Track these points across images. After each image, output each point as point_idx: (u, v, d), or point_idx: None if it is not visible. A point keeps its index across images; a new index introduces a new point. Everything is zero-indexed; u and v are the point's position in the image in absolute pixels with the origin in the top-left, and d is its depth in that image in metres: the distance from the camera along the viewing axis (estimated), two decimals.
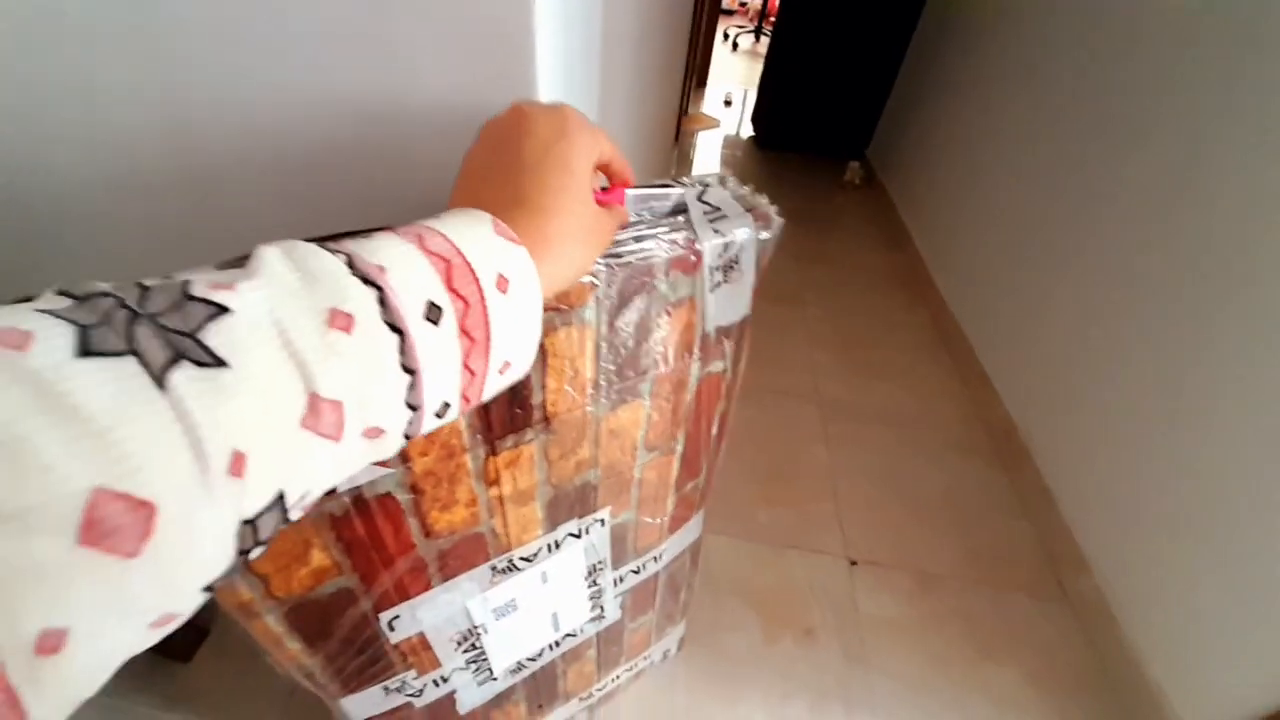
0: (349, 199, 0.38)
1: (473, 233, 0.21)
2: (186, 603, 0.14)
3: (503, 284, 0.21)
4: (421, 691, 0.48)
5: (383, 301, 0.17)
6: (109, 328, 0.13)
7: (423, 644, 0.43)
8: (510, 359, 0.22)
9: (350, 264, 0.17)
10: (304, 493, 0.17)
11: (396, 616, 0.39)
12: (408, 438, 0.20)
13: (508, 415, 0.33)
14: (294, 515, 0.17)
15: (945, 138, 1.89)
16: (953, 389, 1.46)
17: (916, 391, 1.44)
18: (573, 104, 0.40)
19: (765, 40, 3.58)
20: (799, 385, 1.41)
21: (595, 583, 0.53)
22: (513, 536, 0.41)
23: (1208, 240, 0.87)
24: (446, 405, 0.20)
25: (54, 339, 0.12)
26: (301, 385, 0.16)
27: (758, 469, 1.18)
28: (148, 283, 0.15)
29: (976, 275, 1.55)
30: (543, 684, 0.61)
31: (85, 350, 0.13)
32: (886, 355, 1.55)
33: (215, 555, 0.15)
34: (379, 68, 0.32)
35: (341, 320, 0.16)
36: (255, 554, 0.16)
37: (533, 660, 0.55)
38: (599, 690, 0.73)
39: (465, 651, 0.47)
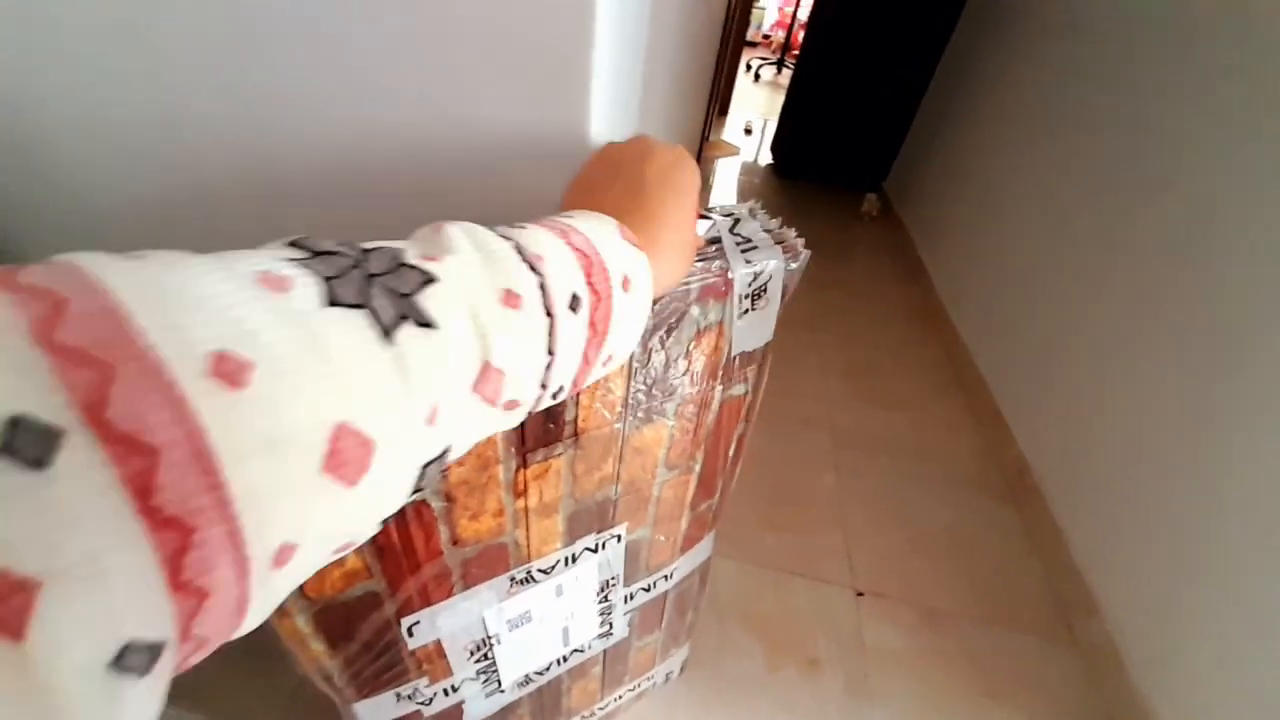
0: (389, 218, 0.39)
1: (604, 235, 0.23)
2: (369, 531, 0.16)
3: (626, 284, 0.23)
4: (431, 700, 0.48)
5: (542, 287, 0.19)
6: (348, 283, 0.15)
7: (438, 651, 0.44)
8: (614, 353, 0.24)
9: (518, 249, 0.19)
10: (463, 448, 0.19)
11: (417, 622, 0.40)
12: (528, 414, 0.21)
13: (541, 429, 0.34)
14: (447, 466, 0.19)
15: (963, 174, 1.91)
16: (965, 424, 1.45)
17: (928, 424, 1.43)
18: (616, 131, 0.42)
19: (787, 72, 3.65)
20: (811, 412, 1.41)
21: (607, 599, 0.53)
22: (533, 548, 0.42)
23: (1226, 284, 0.88)
24: (561, 388, 0.22)
25: (309, 287, 0.14)
26: (480, 353, 0.17)
27: (766, 493, 1.18)
28: (365, 246, 0.17)
29: (992, 312, 1.56)
30: (547, 699, 0.61)
31: (331, 300, 0.14)
32: (899, 386, 1.55)
33: (401, 493, 0.16)
34: (434, 97, 0.34)
35: (513, 300, 0.18)
36: (415, 498, 0.18)
37: (540, 674, 0.56)
38: (601, 709, 0.73)
39: (477, 661, 0.48)
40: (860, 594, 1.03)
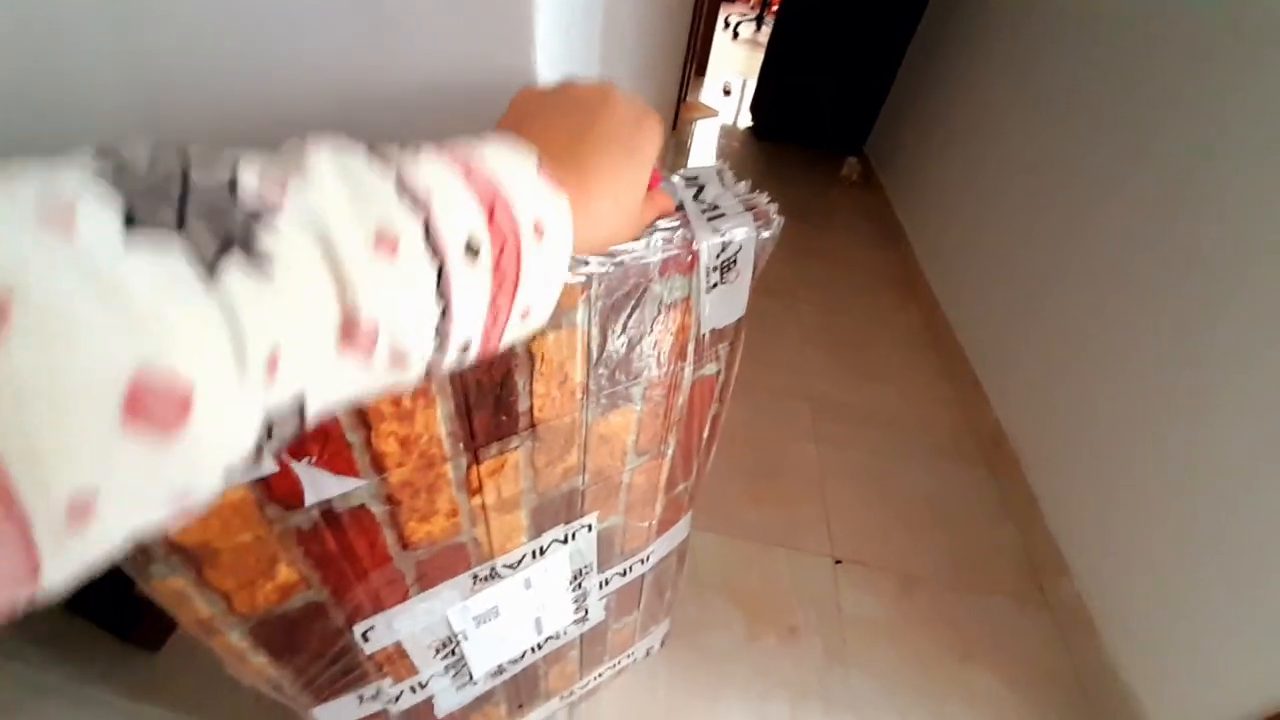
0: None
1: (518, 170, 0.20)
2: (208, 482, 0.14)
3: (539, 229, 0.20)
4: (398, 698, 0.46)
5: (427, 228, 0.17)
6: (158, 200, 0.13)
7: (399, 653, 0.41)
8: (531, 306, 0.21)
9: (399, 183, 0.17)
10: (324, 403, 0.17)
11: (371, 628, 0.37)
12: (428, 371, 0.19)
13: (492, 421, 0.31)
14: (310, 424, 0.17)
15: (943, 138, 1.88)
16: (943, 392, 1.46)
17: (907, 393, 1.44)
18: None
19: (767, 29, 3.53)
20: (790, 383, 1.40)
21: (580, 586, 0.51)
22: (495, 545, 0.39)
23: (1202, 249, 0.87)
24: (469, 342, 0.20)
25: (103, 213, 0.12)
26: (339, 300, 0.15)
27: (746, 466, 1.18)
28: (192, 151, 0.14)
29: (969, 279, 1.55)
30: (523, 685, 0.60)
31: (131, 221, 0.12)
32: (878, 355, 1.55)
33: (239, 447, 0.15)
34: (370, 41, 0.30)
35: (387, 244, 0.16)
36: (268, 451, 0.16)
37: (514, 663, 0.54)
38: (581, 688, 0.73)
39: (444, 658, 0.46)
40: (839, 562, 1.04)
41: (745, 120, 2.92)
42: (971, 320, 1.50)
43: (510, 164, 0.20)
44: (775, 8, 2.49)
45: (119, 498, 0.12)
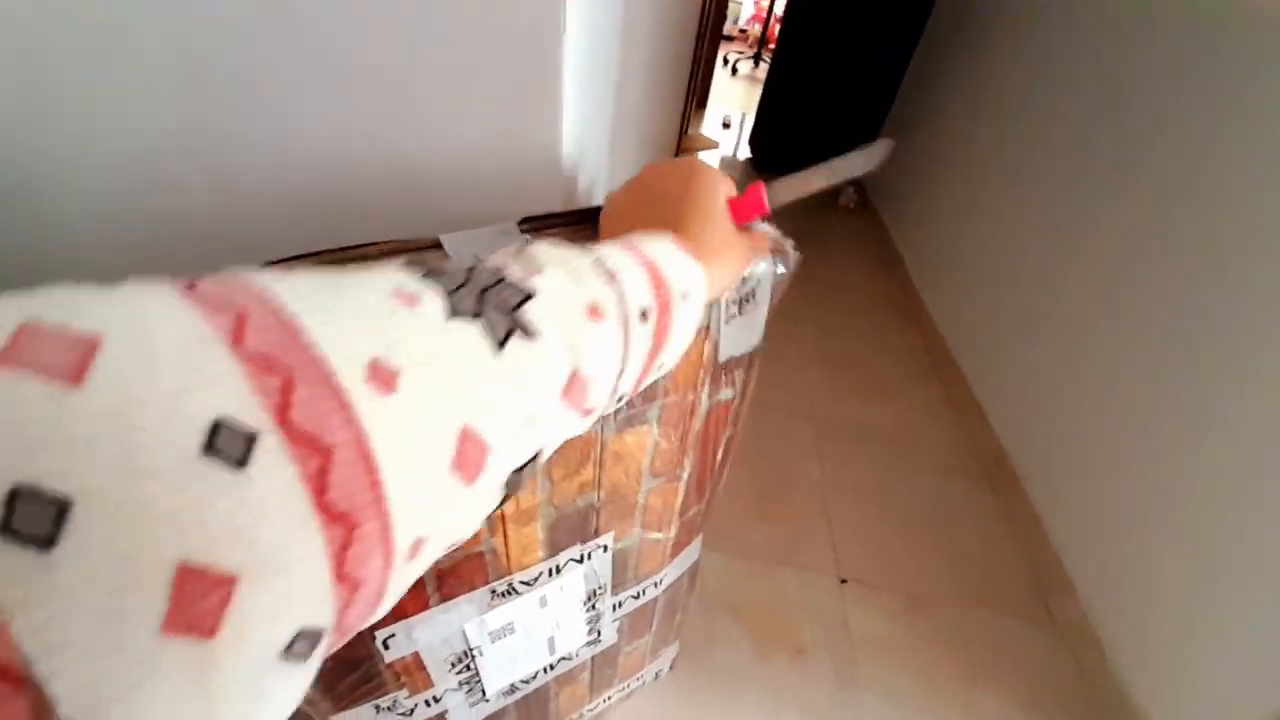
0: (364, 223, 0.39)
1: (667, 250, 0.25)
2: (474, 528, 0.18)
3: (685, 295, 0.25)
4: (412, 711, 0.47)
5: (620, 300, 0.21)
6: (465, 297, 0.17)
7: (417, 664, 0.43)
8: (665, 360, 0.25)
9: (599, 262, 0.21)
10: (549, 451, 0.20)
11: (392, 635, 0.39)
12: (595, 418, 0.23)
13: None
14: (537, 468, 0.20)
15: (938, 165, 1.94)
16: (943, 413, 1.48)
17: (908, 413, 1.45)
18: (591, 132, 0.41)
19: (764, 66, 3.65)
20: (793, 402, 1.42)
21: (594, 607, 0.53)
22: (513, 558, 0.41)
23: (1199, 267, 0.90)
24: (624, 394, 0.24)
25: (435, 300, 0.16)
26: (570, 362, 0.19)
27: (752, 485, 1.19)
28: (468, 264, 0.19)
29: (967, 302, 1.58)
30: (534, 706, 0.61)
31: (453, 312, 0.16)
32: (879, 376, 1.57)
33: (498, 494, 0.18)
34: (407, 112, 0.34)
35: (597, 313, 0.20)
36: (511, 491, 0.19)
37: (526, 683, 0.55)
38: (590, 710, 0.73)
39: (459, 673, 0.47)
40: (844, 581, 1.05)
41: (744, 152, 3.00)
42: (970, 342, 1.52)
43: (657, 246, 0.25)
44: (772, 47, 2.59)
45: (437, 539, 0.15)
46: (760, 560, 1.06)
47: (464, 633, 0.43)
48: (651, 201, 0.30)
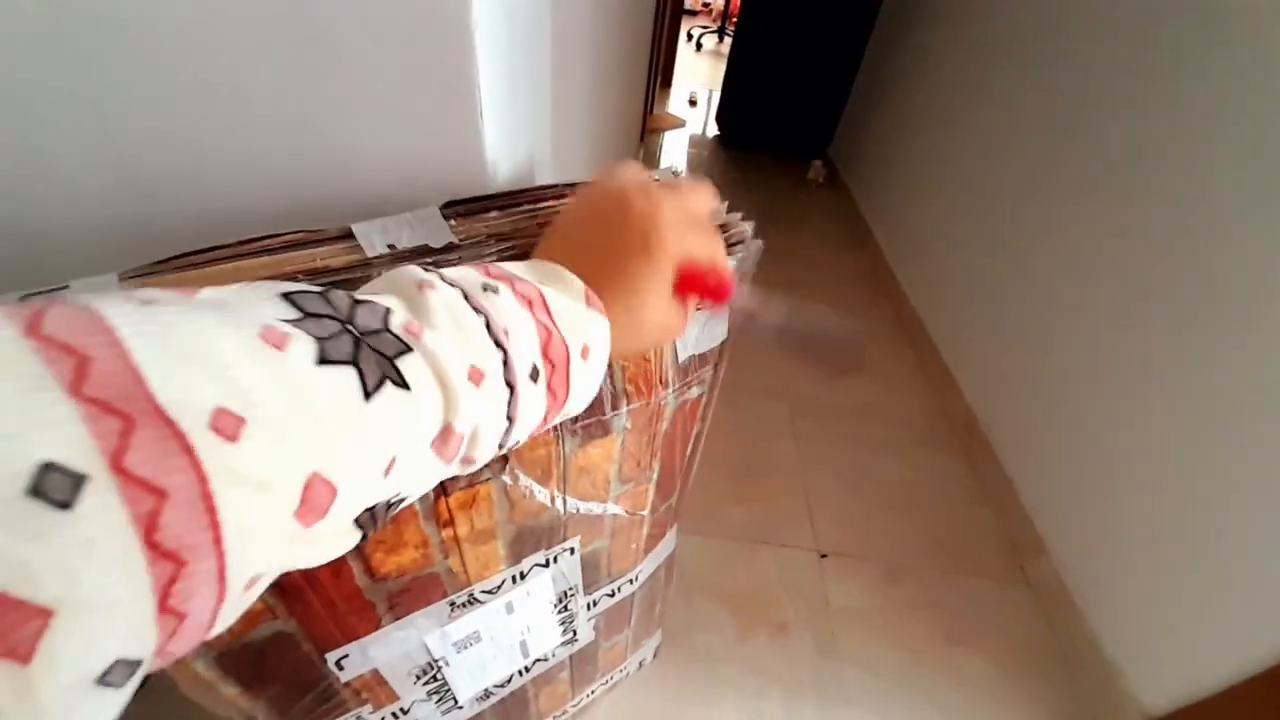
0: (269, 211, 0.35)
1: (569, 303, 0.24)
2: (317, 563, 0.18)
3: (586, 352, 0.25)
4: None
5: (505, 363, 0.21)
6: (339, 344, 0.17)
7: (377, 680, 0.41)
8: (571, 410, 0.26)
9: (488, 325, 0.21)
10: (414, 497, 0.21)
11: (345, 656, 0.37)
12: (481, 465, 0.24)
13: None
14: (395, 513, 0.20)
15: (903, 136, 1.93)
16: (917, 383, 1.49)
17: (882, 386, 1.46)
18: (523, 113, 0.38)
19: (729, 40, 3.59)
20: (767, 383, 1.42)
21: (566, 608, 0.51)
22: (472, 573, 0.39)
23: (1161, 234, 0.91)
24: (519, 442, 0.24)
25: (305, 345, 0.16)
26: (443, 416, 0.19)
27: (728, 467, 1.19)
28: (356, 298, 0.19)
29: (935, 271, 1.59)
30: (513, 708, 0.59)
31: (322, 359, 0.16)
32: None
33: (346, 537, 0.18)
34: (326, 121, 0.31)
35: (477, 375, 0.20)
36: (368, 532, 0.19)
37: (501, 687, 0.54)
38: (574, 706, 0.72)
39: (426, 684, 0.45)
40: (824, 556, 1.05)
41: (713, 129, 2.96)
42: (940, 312, 1.54)
43: (562, 298, 0.24)
44: (735, 19, 2.54)
45: (270, 576, 0.16)
46: (739, 541, 1.06)
47: (425, 646, 0.42)
48: (589, 224, 0.28)
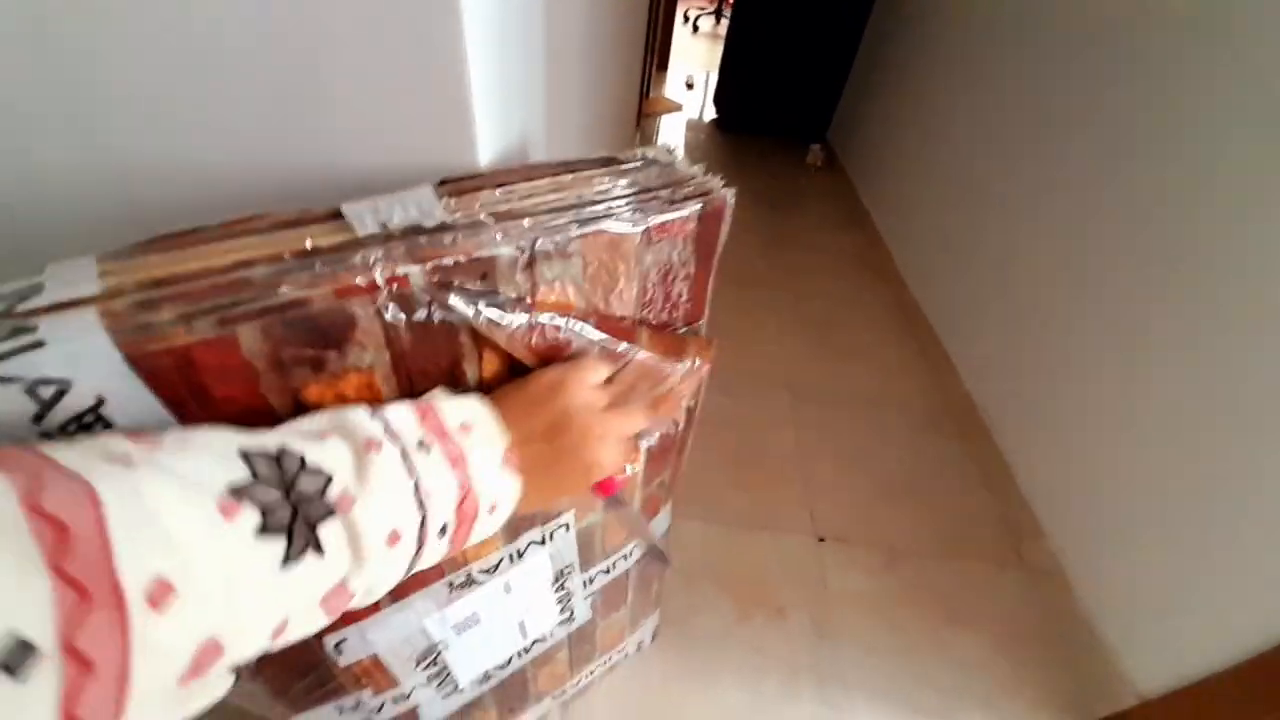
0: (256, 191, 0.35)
1: (489, 464, 0.27)
2: (201, 705, 0.19)
3: (492, 508, 0.27)
4: (380, 709, 0.46)
5: (422, 523, 0.24)
6: (278, 515, 0.19)
7: (376, 665, 0.41)
8: (455, 550, 0.27)
9: (417, 487, 0.23)
10: (294, 635, 0.22)
11: (344, 640, 0.37)
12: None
13: None
14: (274, 649, 0.22)
15: (901, 119, 1.91)
16: (915, 367, 1.49)
17: (881, 371, 1.46)
18: (515, 82, 0.37)
19: (726, 21, 3.54)
20: (767, 368, 1.42)
21: (563, 586, 0.52)
22: (469, 552, 0.39)
23: (1158, 215, 0.90)
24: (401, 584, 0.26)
25: (249, 518, 0.18)
26: (343, 577, 0.21)
27: (727, 453, 1.19)
28: (305, 457, 0.21)
29: (934, 256, 1.58)
30: (512, 689, 0.60)
31: (262, 529, 0.18)
32: (851, 336, 1.57)
33: (224, 683, 0.19)
34: (313, 123, 0.31)
35: (394, 538, 0.23)
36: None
37: (501, 669, 0.54)
38: (573, 686, 0.73)
39: (426, 668, 0.45)
40: (822, 540, 1.06)
41: (710, 113, 2.93)
42: (938, 297, 1.53)
43: (485, 459, 0.26)
44: (732, 1, 2.50)
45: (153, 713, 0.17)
46: (739, 526, 1.06)
47: (425, 629, 0.42)
48: (541, 428, 0.29)
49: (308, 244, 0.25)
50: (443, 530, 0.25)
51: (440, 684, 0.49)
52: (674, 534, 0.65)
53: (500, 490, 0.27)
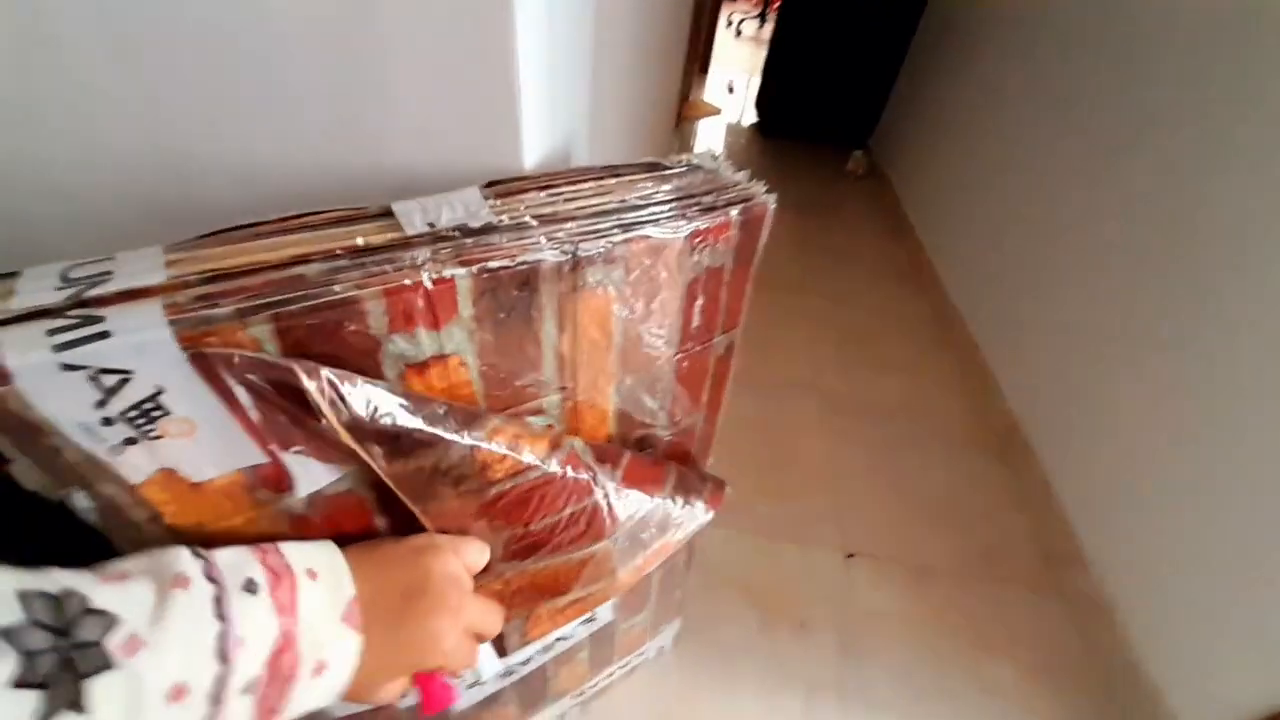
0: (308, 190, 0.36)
1: (324, 614, 0.25)
2: None
3: (319, 669, 0.24)
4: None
5: (222, 678, 0.21)
6: (41, 664, 0.17)
7: None
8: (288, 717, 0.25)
9: (222, 635, 0.21)
10: None
11: None
12: None
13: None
14: None
15: (948, 129, 1.85)
16: (953, 382, 1.44)
17: (917, 384, 1.42)
18: (562, 85, 0.38)
19: (770, 25, 3.51)
20: (800, 376, 1.39)
21: None
22: None
23: (1214, 236, 0.85)
24: None
25: (7, 666, 0.17)
26: None
27: (757, 461, 1.17)
28: (90, 604, 0.19)
29: (978, 269, 1.53)
30: (533, 685, 0.61)
31: (18, 683, 0.17)
32: (888, 347, 1.54)
33: None
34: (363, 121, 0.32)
35: (179, 692, 0.20)
36: None
37: (523, 664, 0.55)
38: (591, 687, 0.73)
39: None
40: (851, 555, 1.04)
41: (750, 117, 2.91)
42: (982, 310, 1.48)
43: (321, 607, 0.25)
44: (777, 5, 2.48)
45: None
46: (765, 536, 1.05)
47: None
48: (400, 594, 0.28)
49: (359, 241, 0.26)
50: (250, 687, 0.22)
51: (462, 677, 0.49)
52: (697, 539, 0.65)
53: (334, 647, 0.25)
